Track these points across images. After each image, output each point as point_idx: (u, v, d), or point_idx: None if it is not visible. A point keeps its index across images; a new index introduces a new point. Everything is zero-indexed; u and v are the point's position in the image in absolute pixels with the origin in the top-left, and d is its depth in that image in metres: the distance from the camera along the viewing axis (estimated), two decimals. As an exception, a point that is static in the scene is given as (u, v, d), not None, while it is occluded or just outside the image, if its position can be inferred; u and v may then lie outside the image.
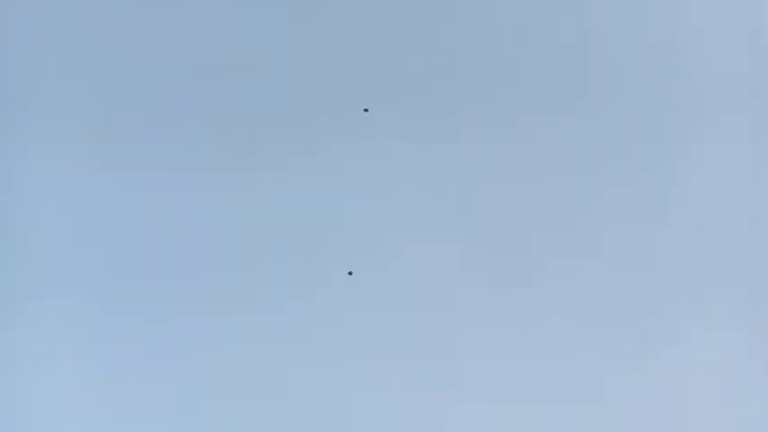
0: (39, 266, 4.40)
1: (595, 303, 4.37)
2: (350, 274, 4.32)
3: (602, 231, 4.40)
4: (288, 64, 4.52)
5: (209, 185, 4.44)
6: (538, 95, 4.45)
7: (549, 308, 4.35)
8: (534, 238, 4.41)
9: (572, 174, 4.44)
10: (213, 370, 4.36)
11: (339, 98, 4.43)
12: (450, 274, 4.34)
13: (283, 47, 4.53)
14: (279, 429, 4.29)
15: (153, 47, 4.52)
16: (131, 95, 4.51)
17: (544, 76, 4.46)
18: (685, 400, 4.29)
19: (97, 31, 4.53)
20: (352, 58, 4.49)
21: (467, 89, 4.48)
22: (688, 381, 4.30)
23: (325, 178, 4.37)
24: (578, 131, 4.44)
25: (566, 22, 4.48)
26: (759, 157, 4.40)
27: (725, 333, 4.29)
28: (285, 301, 4.36)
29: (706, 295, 4.34)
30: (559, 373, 4.34)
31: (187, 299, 4.41)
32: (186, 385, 4.36)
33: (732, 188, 4.39)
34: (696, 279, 4.36)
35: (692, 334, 4.31)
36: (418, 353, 4.27)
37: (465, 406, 4.28)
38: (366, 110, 4.17)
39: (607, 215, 4.42)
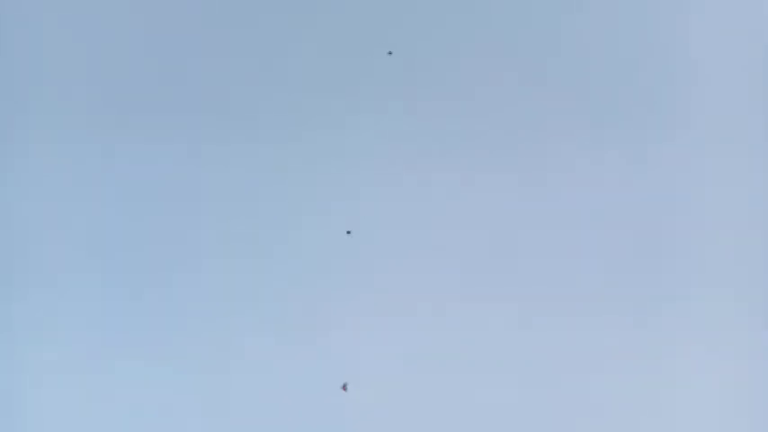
0: (39, 266, 4.40)
1: (594, 302, 4.38)
2: (348, 233, 4.34)
3: (602, 230, 4.40)
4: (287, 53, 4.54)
5: (209, 180, 4.44)
6: (542, 92, 4.46)
7: (546, 306, 4.36)
8: (534, 235, 4.41)
9: (573, 169, 4.45)
10: (214, 369, 4.37)
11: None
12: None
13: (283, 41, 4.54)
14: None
15: (151, 41, 4.53)
16: (130, 94, 4.51)
17: (549, 75, 4.46)
18: (685, 399, 4.29)
19: (95, 28, 4.54)
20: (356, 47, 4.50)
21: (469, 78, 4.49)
22: (688, 379, 4.30)
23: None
24: (582, 128, 4.45)
25: (570, 20, 4.48)
26: (760, 158, 4.40)
27: (726, 332, 4.30)
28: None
29: (706, 294, 4.34)
30: (559, 373, 4.34)
31: (189, 298, 4.41)
32: (187, 383, 4.37)
33: (733, 188, 4.39)
34: (696, 278, 4.36)
35: (692, 333, 4.31)
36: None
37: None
38: (390, 52, 4.19)
39: (608, 214, 4.42)
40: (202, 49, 4.54)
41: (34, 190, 4.48)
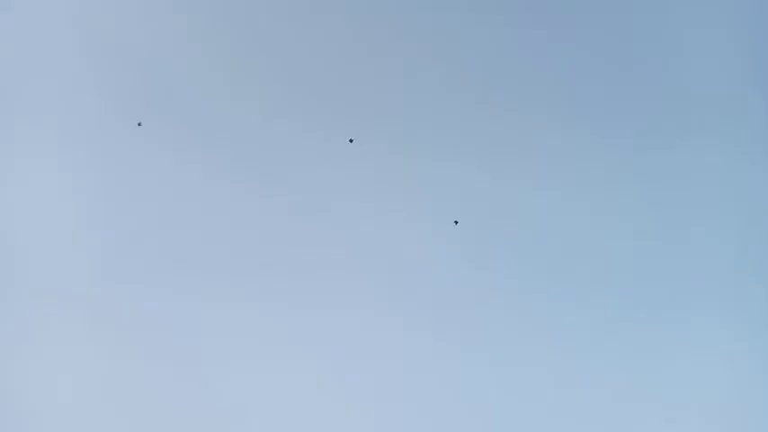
0: (39, 268, 4.42)
1: (597, 304, 4.36)
2: (351, 141, 4.34)
3: (605, 234, 4.40)
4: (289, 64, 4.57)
5: (210, 180, 4.46)
6: (543, 97, 4.47)
7: (548, 305, 4.35)
8: (537, 236, 4.41)
9: (576, 173, 4.45)
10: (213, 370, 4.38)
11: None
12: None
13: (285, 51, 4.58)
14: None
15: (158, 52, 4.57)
16: (132, 97, 4.55)
17: (553, 79, 4.47)
18: (686, 400, 4.26)
19: (103, 33, 4.59)
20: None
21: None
22: (690, 380, 4.27)
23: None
24: (585, 134, 4.45)
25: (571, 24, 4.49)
26: (759, 159, 4.39)
27: (726, 332, 4.27)
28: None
29: (708, 295, 4.32)
30: (561, 371, 4.32)
31: (189, 298, 4.43)
32: (186, 383, 4.38)
33: (733, 190, 4.37)
34: (698, 280, 4.34)
35: (694, 334, 4.29)
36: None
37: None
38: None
39: (610, 217, 4.41)
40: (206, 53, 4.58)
41: (35, 192, 4.51)
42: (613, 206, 4.47)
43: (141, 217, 4.54)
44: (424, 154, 4.52)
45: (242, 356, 4.42)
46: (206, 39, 4.62)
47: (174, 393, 4.38)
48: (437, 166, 4.49)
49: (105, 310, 4.47)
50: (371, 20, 4.58)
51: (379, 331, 4.41)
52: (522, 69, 4.56)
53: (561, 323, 4.40)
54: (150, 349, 4.40)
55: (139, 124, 4.00)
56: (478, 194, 4.49)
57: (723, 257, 4.38)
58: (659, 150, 4.49)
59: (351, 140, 4.11)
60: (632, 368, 4.36)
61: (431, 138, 4.52)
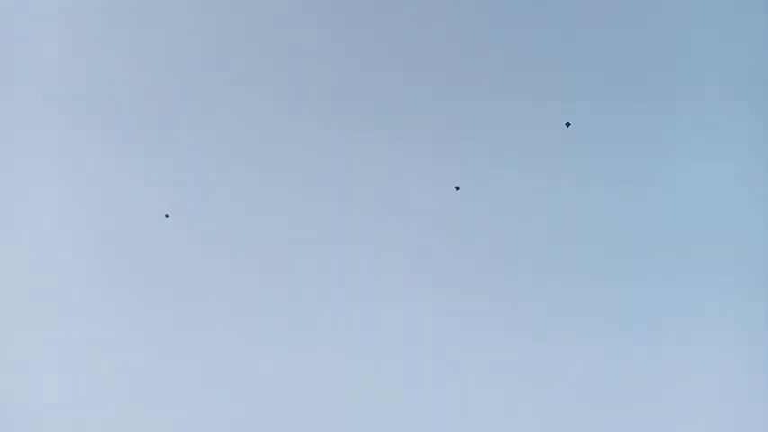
0: (37, 267, 4.44)
1: (597, 302, 4.37)
2: (457, 189, 4.36)
3: (602, 232, 4.40)
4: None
5: (207, 179, 4.47)
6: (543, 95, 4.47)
7: (547, 304, 4.36)
8: (537, 237, 4.42)
9: (572, 172, 4.45)
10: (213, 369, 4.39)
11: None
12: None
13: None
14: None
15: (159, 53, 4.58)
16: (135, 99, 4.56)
17: (553, 76, 4.47)
18: (685, 400, 4.27)
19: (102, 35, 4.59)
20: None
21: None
22: (688, 380, 4.28)
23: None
24: (582, 134, 4.45)
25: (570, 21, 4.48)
26: (758, 158, 4.38)
27: (725, 333, 4.28)
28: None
29: (706, 293, 4.32)
30: (562, 369, 4.33)
31: (188, 298, 4.44)
32: (186, 383, 4.39)
33: (731, 188, 4.37)
34: (696, 278, 4.34)
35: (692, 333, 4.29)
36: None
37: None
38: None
39: (608, 215, 4.41)
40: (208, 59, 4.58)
41: (36, 192, 4.52)
42: (613, 180, 4.47)
43: (143, 214, 4.55)
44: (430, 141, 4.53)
45: (268, 336, 4.42)
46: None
47: (175, 394, 4.40)
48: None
49: (106, 311, 4.49)
50: (370, 20, 4.59)
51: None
52: (518, 50, 4.56)
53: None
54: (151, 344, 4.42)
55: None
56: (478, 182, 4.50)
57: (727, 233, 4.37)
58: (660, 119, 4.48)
59: (457, 188, 4.18)
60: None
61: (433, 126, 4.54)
